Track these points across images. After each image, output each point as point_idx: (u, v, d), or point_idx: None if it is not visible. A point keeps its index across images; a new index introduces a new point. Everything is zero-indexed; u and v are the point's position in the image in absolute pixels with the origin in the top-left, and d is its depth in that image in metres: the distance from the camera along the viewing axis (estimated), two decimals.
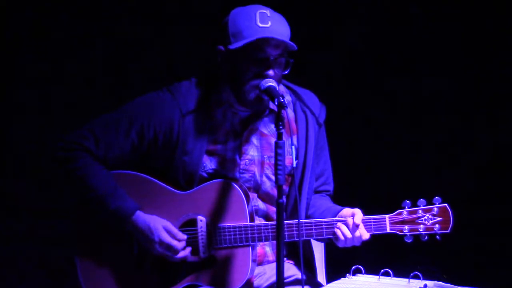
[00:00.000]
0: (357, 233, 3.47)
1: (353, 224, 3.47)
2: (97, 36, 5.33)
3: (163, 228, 3.52)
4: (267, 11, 3.49)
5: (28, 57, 5.34)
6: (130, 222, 3.53)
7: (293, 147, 3.40)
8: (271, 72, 3.46)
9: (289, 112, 3.66)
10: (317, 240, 3.70)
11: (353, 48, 5.37)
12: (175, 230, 3.53)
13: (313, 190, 3.67)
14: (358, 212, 3.51)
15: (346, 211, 3.55)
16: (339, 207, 3.60)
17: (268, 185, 3.63)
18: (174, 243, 3.51)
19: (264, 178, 3.63)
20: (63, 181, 3.60)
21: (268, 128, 3.63)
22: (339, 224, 3.49)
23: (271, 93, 3.41)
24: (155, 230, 3.51)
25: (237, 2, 3.59)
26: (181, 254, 3.52)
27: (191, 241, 3.54)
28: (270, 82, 3.44)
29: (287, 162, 3.43)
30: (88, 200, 3.54)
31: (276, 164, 3.20)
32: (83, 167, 3.54)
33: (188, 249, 3.54)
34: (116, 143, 3.56)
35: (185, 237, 3.53)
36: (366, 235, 3.48)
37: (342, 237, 3.47)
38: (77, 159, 3.54)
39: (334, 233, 3.50)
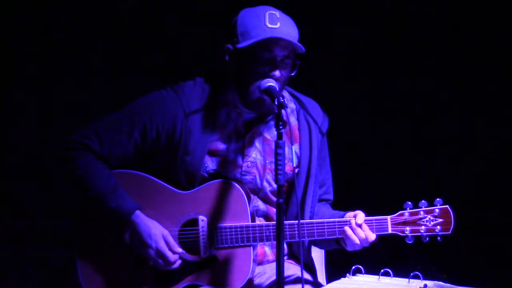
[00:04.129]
0: (362, 234, 3.46)
1: (356, 224, 3.47)
2: (97, 36, 5.33)
3: (162, 236, 3.52)
4: (277, 13, 3.49)
5: (28, 57, 5.34)
6: (129, 222, 3.53)
7: (294, 154, 3.41)
8: (277, 73, 3.45)
9: (292, 120, 3.65)
10: (325, 247, 3.70)
11: (353, 48, 5.37)
12: (172, 242, 3.53)
13: (317, 200, 3.68)
14: (359, 213, 3.51)
15: (349, 214, 3.55)
16: (342, 212, 3.60)
17: (268, 190, 3.63)
18: (169, 254, 3.51)
19: (265, 183, 3.63)
20: (66, 180, 3.60)
21: (271, 134, 3.63)
22: (345, 228, 3.49)
23: (271, 93, 3.40)
24: (154, 236, 3.51)
25: (242, 2, 3.59)
26: (171, 266, 3.53)
27: (192, 241, 3.54)
28: (270, 82, 3.43)
29: (287, 169, 3.44)
30: (89, 199, 3.54)
31: (276, 164, 3.20)
32: (84, 166, 3.54)
33: (179, 262, 3.54)
34: (120, 143, 3.56)
35: (180, 250, 3.53)
36: (371, 236, 3.48)
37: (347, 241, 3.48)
38: (78, 158, 3.54)
39: (335, 233, 3.50)
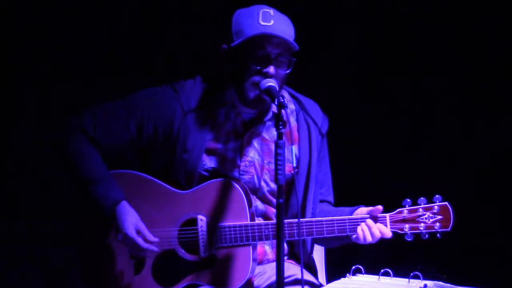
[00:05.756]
0: (377, 233, 3.47)
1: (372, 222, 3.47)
2: (97, 36, 5.33)
3: (134, 226, 3.51)
4: (271, 11, 3.51)
5: (28, 57, 5.34)
6: (114, 211, 3.52)
7: (294, 155, 3.41)
8: (271, 69, 3.46)
9: (292, 121, 3.66)
10: (334, 244, 3.69)
11: (353, 47, 5.37)
12: (146, 231, 3.52)
13: (318, 201, 3.68)
14: (376, 209, 3.50)
15: (361, 210, 3.55)
16: (352, 207, 3.59)
17: (266, 190, 3.63)
18: (139, 240, 3.50)
19: (263, 183, 3.63)
20: (58, 164, 3.61)
21: (270, 134, 3.63)
22: (362, 224, 3.48)
23: (271, 93, 3.41)
24: (126, 223, 3.50)
25: (243, 2, 3.59)
26: (144, 253, 3.53)
27: (192, 241, 3.55)
28: (270, 82, 3.44)
29: (286, 169, 3.44)
30: (78, 184, 3.55)
31: (276, 164, 3.20)
32: (77, 151, 3.55)
33: (154, 249, 3.53)
34: (115, 130, 3.57)
35: (156, 239, 3.53)
36: (388, 234, 3.48)
37: (362, 239, 3.48)
38: (72, 141, 3.55)
39: (345, 230, 3.49)
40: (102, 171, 3.55)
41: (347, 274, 3.40)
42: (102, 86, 5.34)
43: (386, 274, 3.36)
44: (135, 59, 5.34)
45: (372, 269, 3.41)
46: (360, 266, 3.40)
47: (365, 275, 3.40)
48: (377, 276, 3.37)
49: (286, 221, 3.47)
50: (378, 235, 3.47)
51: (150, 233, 3.53)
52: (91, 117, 3.57)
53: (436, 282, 3.31)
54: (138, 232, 3.51)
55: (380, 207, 3.49)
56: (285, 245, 3.66)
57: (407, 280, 3.32)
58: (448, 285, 3.28)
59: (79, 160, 3.55)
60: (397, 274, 3.36)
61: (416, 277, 3.31)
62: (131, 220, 3.52)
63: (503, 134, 5.28)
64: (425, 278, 3.30)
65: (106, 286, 3.60)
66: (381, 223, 3.49)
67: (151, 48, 5.35)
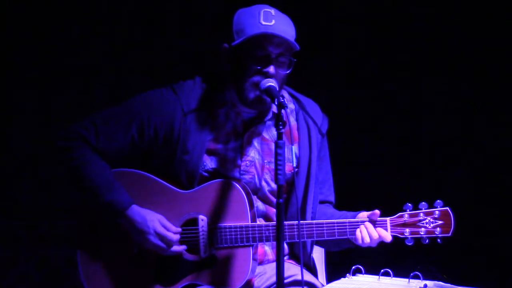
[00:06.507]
0: (375, 235, 3.47)
1: (372, 228, 3.48)
2: (97, 36, 5.33)
3: (158, 220, 3.51)
4: (272, 10, 3.51)
5: (28, 57, 5.34)
6: (124, 216, 3.52)
7: (294, 154, 3.41)
8: (271, 69, 3.46)
9: (291, 121, 3.66)
10: (334, 247, 3.69)
11: (353, 48, 5.37)
12: (168, 224, 3.53)
13: (318, 201, 3.68)
14: (374, 214, 3.50)
15: (363, 214, 3.55)
16: (354, 212, 3.59)
17: (267, 190, 3.63)
18: (169, 234, 3.51)
19: (263, 183, 3.63)
20: (65, 175, 3.60)
21: (270, 133, 3.63)
22: (361, 226, 3.49)
23: (271, 93, 3.41)
24: (150, 222, 3.51)
25: (240, 1, 3.59)
26: (175, 248, 3.52)
27: (192, 240, 3.54)
28: (270, 82, 3.44)
29: (286, 169, 3.43)
30: (83, 190, 3.54)
31: (276, 164, 3.20)
32: (80, 157, 3.54)
33: (183, 246, 3.53)
34: (116, 136, 3.56)
35: (179, 229, 3.53)
36: (388, 238, 3.49)
37: (360, 241, 3.48)
38: (75, 148, 3.55)
39: (346, 233, 3.49)
40: (109, 176, 3.55)
41: (347, 274, 3.40)
42: (102, 86, 5.34)
43: (386, 274, 3.36)
44: (135, 59, 5.35)
45: (372, 269, 3.41)
46: (360, 266, 3.40)
47: (365, 275, 3.40)
48: (377, 276, 3.37)
49: (286, 223, 3.47)
50: (376, 236, 3.47)
51: (172, 224, 3.53)
52: (92, 126, 3.56)
53: (436, 282, 3.31)
54: (163, 225, 3.51)
55: (377, 211, 3.50)
56: (285, 245, 3.66)
57: (407, 280, 3.32)
58: (448, 285, 3.28)
59: (83, 166, 3.54)
60: (397, 274, 3.36)
61: (416, 277, 3.31)
62: (151, 218, 3.52)
63: (504, 135, 5.28)
64: (425, 278, 3.30)
65: (107, 286, 3.59)
66: (381, 226, 3.49)
67: (151, 48, 5.35)
